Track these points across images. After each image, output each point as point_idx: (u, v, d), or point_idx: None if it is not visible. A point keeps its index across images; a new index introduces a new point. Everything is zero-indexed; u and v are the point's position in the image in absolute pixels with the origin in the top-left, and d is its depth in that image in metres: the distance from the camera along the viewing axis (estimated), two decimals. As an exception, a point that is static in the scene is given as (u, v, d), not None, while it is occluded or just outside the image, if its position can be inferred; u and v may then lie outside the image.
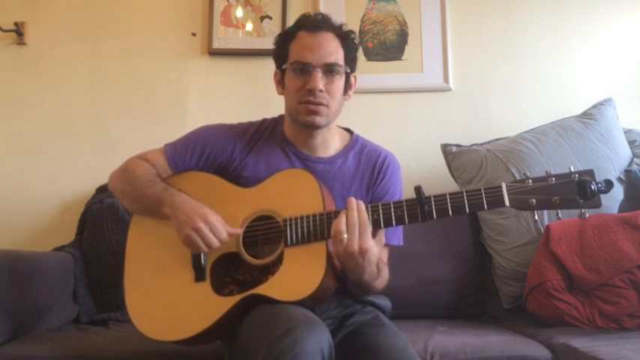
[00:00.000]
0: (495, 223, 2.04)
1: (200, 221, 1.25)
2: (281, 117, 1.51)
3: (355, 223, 1.18)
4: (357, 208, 1.20)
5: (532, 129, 2.19)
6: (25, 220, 2.36)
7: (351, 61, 1.42)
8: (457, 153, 2.19)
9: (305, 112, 1.37)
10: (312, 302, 1.23)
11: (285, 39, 1.41)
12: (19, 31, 2.45)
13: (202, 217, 1.26)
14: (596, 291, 1.70)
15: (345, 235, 1.18)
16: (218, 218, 1.29)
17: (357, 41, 1.44)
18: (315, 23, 1.39)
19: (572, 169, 1.14)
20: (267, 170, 1.40)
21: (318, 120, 1.37)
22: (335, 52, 1.37)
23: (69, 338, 1.69)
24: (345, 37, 1.41)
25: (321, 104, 1.36)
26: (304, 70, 1.36)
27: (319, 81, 1.34)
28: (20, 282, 1.69)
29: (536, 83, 2.46)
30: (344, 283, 1.34)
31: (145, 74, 2.47)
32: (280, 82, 1.44)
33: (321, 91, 1.34)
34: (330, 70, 1.36)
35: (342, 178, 1.44)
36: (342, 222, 1.19)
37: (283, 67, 1.41)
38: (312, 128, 1.40)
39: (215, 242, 1.26)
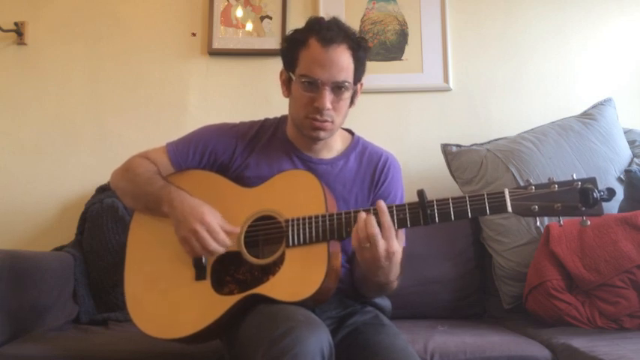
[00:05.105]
0: (495, 223, 2.04)
1: (197, 223, 1.25)
2: (283, 117, 1.51)
3: (377, 232, 1.17)
4: (380, 211, 1.19)
5: (532, 129, 2.19)
6: (25, 220, 2.36)
7: (360, 74, 1.39)
8: (457, 153, 2.19)
9: (310, 128, 1.36)
10: (312, 303, 1.22)
11: (295, 44, 1.35)
12: (19, 31, 2.45)
13: (199, 218, 1.25)
14: (596, 291, 1.70)
15: (368, 244, 1.17)
16: (216, 218, 1.28)
17: (367, 50, 1.38)
18: (328, 36, 1.31)
19: (575, 177, 1.14)
20: (269, 171, 1.40)
21: (323, 135, 1.37)
22: (346, 69, 1.33)
23: (69, 338, 1.69)
24: (357, 48, 1.35)
25: (327, 121, 1.35)
26: (313, 85, 1.32)
27: (327, 100, 1.32)
28: (20, 282, 1.69)
29: (536, 83, 2.46)
30: (344, 284, 1.33)
31: (145, 74, 2.47)
32: (286, 85, 1.41)
33: (327, 109, 1.33)
34: (338, 87, 1.33)
35: (344, 180, 1.44)
36: (363, 230, 1.17)
37: (291, 73, 1.37)
38: (315, 140, 1.40)
39: (212, 246, 1.25)
